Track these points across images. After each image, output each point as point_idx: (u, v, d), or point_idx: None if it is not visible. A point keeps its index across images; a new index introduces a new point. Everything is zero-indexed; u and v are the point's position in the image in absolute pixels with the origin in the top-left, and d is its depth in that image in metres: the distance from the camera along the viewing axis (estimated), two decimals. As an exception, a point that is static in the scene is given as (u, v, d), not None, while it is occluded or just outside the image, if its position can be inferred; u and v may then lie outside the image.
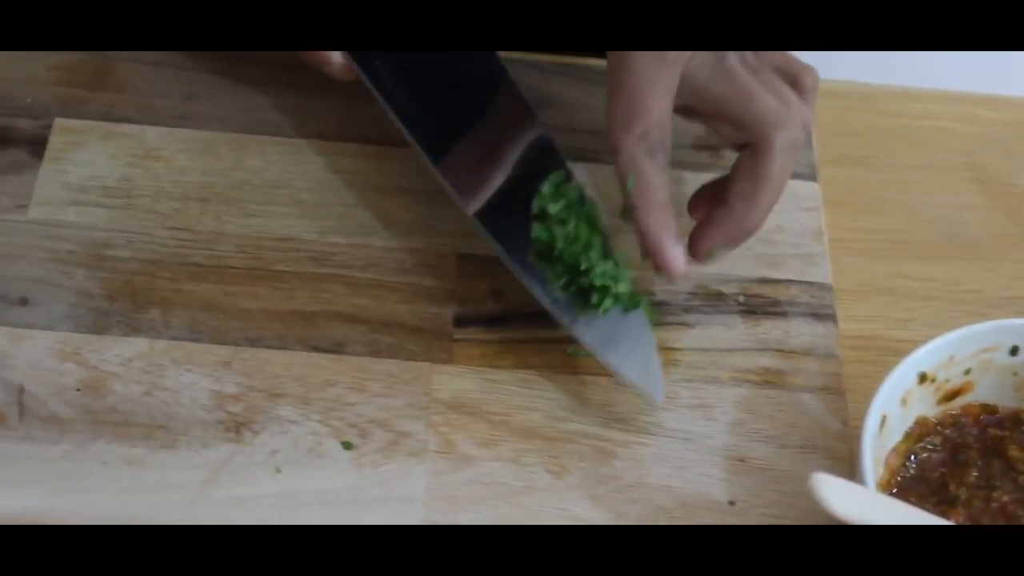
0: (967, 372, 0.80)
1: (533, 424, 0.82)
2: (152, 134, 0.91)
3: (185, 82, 0.94)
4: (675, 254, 0.80)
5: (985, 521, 0.76)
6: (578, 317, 0.82)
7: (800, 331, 0.86)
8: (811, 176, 0.93)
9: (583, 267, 0.81)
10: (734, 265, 0.88)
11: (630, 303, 0.82)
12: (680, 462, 0.81)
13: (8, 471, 0.78)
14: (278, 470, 0.79)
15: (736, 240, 0.83)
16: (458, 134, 0.85)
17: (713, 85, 0.82)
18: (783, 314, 0.87)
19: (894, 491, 0.78)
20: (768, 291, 0.88)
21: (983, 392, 0.81)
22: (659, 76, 0.81)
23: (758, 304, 0.87)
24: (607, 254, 0.83)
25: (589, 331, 0.81)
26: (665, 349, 0.85)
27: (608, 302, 0.81)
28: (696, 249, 0.83)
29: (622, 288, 0.82)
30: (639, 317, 0.82)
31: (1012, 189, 0.95)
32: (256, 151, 0.91)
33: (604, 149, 0.91)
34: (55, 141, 0.90)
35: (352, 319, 0.85)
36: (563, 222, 0.83)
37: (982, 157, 0.96)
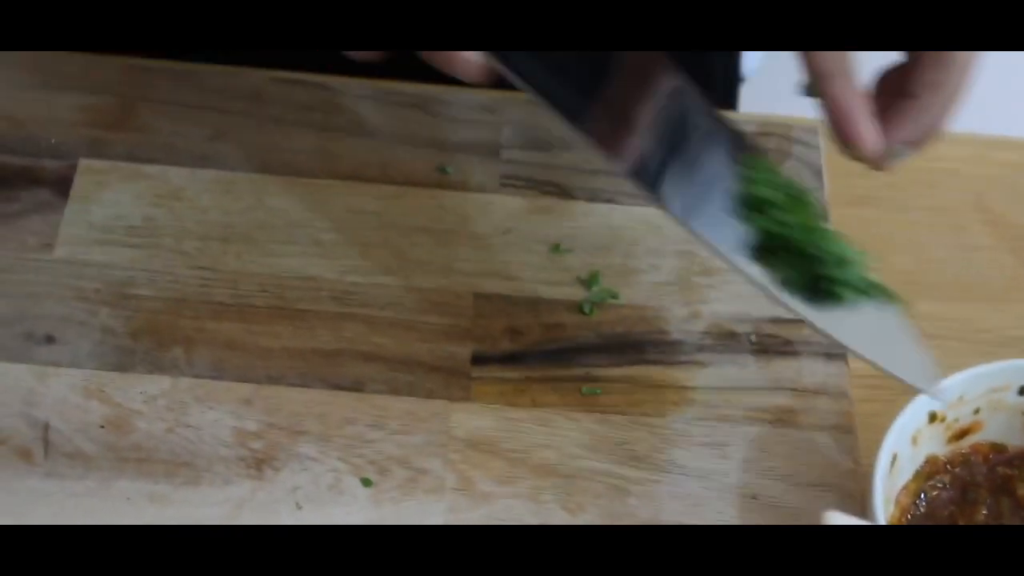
0: (976, 411, 0.81)
1: (550, 461, 0.83)
2: (175, 174, 0.93)
3: (207, 123, 0.95)
4: (868, 126, 0.75)
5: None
6: (821, 311, 0.75)
7: (812, 370, 0.87)
8: (822, 216, 0.94)
9: (818, 256, 0.75)
10: (748, 305, 0.90)
11: (873, 290, 0.77)
12: (694, 499, 0.82)
13: (34, 507, 0.80)
14: (299, 506, 0.80)
15: (923, 138, 0.77)
16: (628, 125, 0.76)
17: None
18: (795, 353, 0.88)
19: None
20: (781, 331, 0.89)
21: (992, 431, 0.82)
22: None
23: (771, 344, 0.88)
24: (836, 237, 0.76)
25: (841, 326, 0.76)
26: (679, 388, 0.86)
27: (852, 293, 0.76)
28: (883, 151, 0.77)
29: (863, 274, 0.76)
30: (883, 304, 0.77)
31: (1021, 231, 0.96)
32: (277, 191, 0.92)
33: (620, 190, 0.94)
34: (80, 181, 0.92)
35: (371, 357, 0.86)
36: (782, 209, 0.76)
37: (991, 198, 0.98)
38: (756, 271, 0.76)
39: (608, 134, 0.75)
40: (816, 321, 0.75)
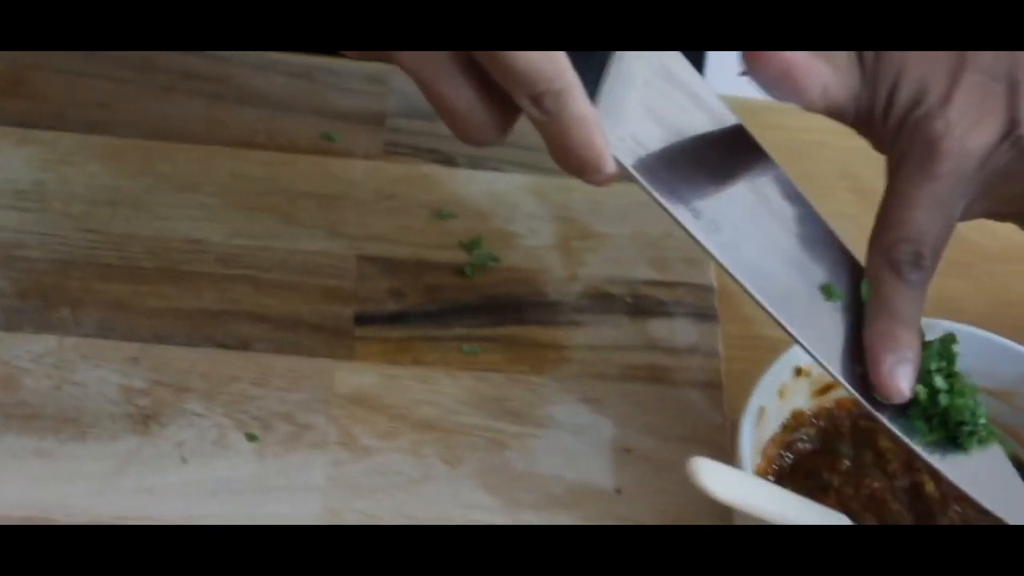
0: (840, 367, 0.85)
1: (430, 417, 0.85)
2: (65, 140, 0.94)
3: (97, 90, 0.97)
4: (892, 374, 0.74)
5: (855, 506, 0.81)
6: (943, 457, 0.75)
7: (685, 330, 0.91)
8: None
9: (960, 420, 0.75)
10: (624, 268, 0.93)
11: (988, 436, 0.77)
12: (569, 453, 0.85)
13: (-79, 462, 0.81)
14: (184, 461, 0.82)
15: None
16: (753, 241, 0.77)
17: (1013, 186, 0.76)
18: (669, 314, 0.91)
19: (771, 479, 0.82)
20: (655, 292, 0.92)
21: (847, 386, 0.86)
22: (922, 187, 0.75)
23: (645, 305, 0.91)
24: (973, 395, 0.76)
25: (958, 471, 0.75)
26: (557, 347, 0.89)
27: (974, 441, 0.76)
28: None
29: (984, 424, 0.76)
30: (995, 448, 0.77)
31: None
32: (165, 157, 0.94)
33: (502, 158, 0.97)
34: (-31, 147, 0.94)
35: (257, 318, 0.88)
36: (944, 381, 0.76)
37: (857, 168, 1.02)
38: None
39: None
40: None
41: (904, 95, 0.77)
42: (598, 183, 0.74)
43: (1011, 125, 0.76)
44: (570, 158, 0.73)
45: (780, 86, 0.77)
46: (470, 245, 0.93)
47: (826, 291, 0.77)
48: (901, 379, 0.74)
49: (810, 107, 0.78)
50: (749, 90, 1.04)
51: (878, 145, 0.80)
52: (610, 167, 0.73)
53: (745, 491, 0.74)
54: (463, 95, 0.73)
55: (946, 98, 0.76)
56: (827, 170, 1.01)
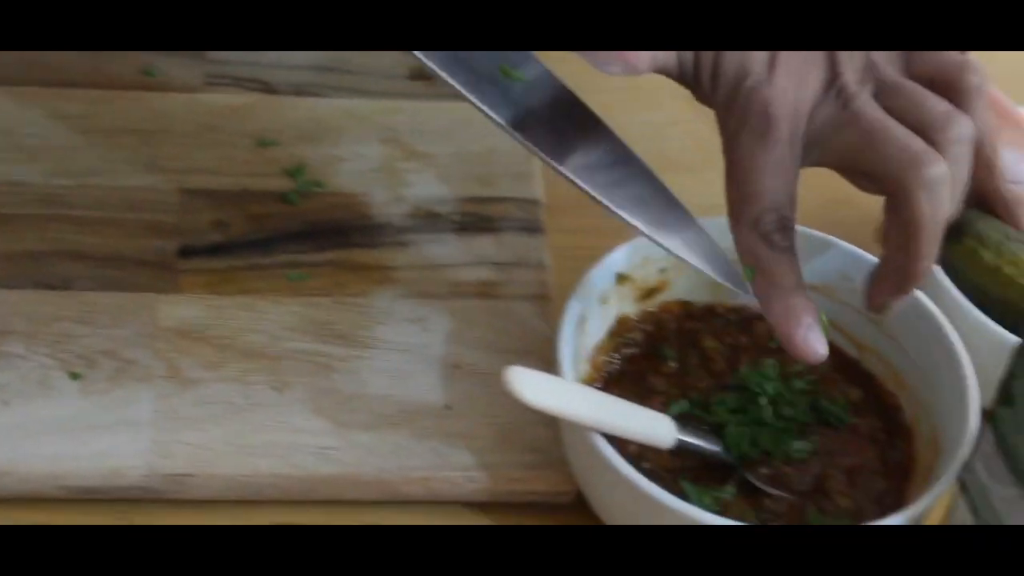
0: (663, 271, 0.85)
1: (256, 345, 0.85)
2: None
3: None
4: (806, 343, 0.76)
5: (681, 405, 0.82)
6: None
7: (512, 244, 0.91)
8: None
9: None
10: (449, 187, 0.93)
11: None
12: (398, 372, 0.85)
13: None
14: (6, 403, 0.81)
15: (904, 289, 0.79)
16: None
17: (838, 136, 0.77)
18: (496, 229, 0.91)
19: (599, 386, 0.83)
20: (481, 209, 0.92)
21: (679, 290, 0.86)
22: (766, 156, 0.76)
23: (472, 221, 0.92)
24: None
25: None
26: (383, 268, 0.89)
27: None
28: (870, 304, 0.80)
29: None
30: None
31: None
32: (-19, 101, 0.94)
33: (324, 83, 0.96)
34: None
35: (79, 256, 0.87)
36: None
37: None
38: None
39: None
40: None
41: (730, 64, 0.78)
42: None
43: (832, 75, 0.77)
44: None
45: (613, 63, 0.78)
46: (294, 172, 0.92)
47: None
48: (815, 344, 0.76)
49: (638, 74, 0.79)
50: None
51: (704, 102, 0.81)
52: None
53: (562, 398, 0.75)
54: None
55: (771, 64, 0.77)
56: (653, 79, 1.01)
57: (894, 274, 0.78)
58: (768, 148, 0.76)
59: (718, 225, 0.79)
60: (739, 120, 0.77)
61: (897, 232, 0.77)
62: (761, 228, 0.77)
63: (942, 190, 0.75)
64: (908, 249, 0.77)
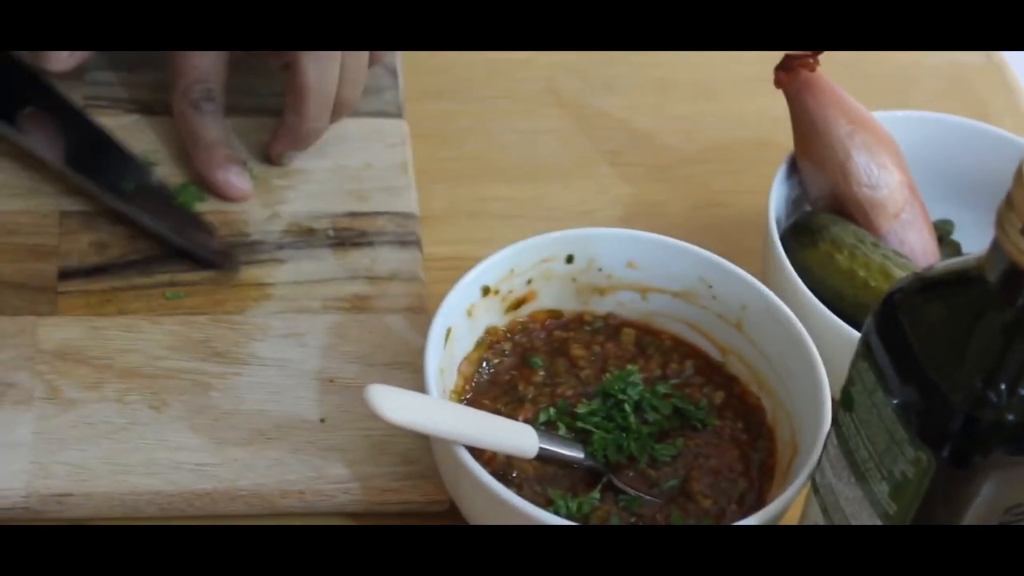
0: (529, 282, 0.87)
1: (135, 365, 0.87)
2: None
3: None
4: (228, 183, 0.93)
5: (549, 413, 0.84)
6: None
7: (387, 258, 0.93)
8: (397, 114, 0.99)
9: None
10: (325, 202, 0.95)
11: None
12: (274, 388, 0.87)
13: None
14: None
15: (300, 144, 0.95)
16: None
17: None
18: (370, 244, 0.93)
19: (469, 396, 0.85)
20: (357, 224, 0.94)
21: (547, 299, 0.88)
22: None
23: (347, 236, 0.94)
24: None
25: None
26: (259, 285, 0.91)
27: None
28: (271, 155, 0.96)
29: None
30: None
31: (587, 111, 1.03)
32: None
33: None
34: None
35: (-41, 281, 0.89)
36: None
37: (560, 83, 1.04)
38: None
39: None
40: None
41: None
42: None
43: None
44: None
45: None
46: (177, 192, 0.94)
47: None
48: (238, 183, 0.94)
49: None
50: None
51: None
52: None
53: (423, 413, 0.77)
54: None
55: None
56: (529, 87, 1.04)
57: (289, 132, 0.94)
58: None
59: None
60: None
61: (290, 97, 0.93)
62: (190, 96, 0.93)
63: (329, 64, 0.91)
64: (299, 110, 0.92)
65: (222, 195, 0.93)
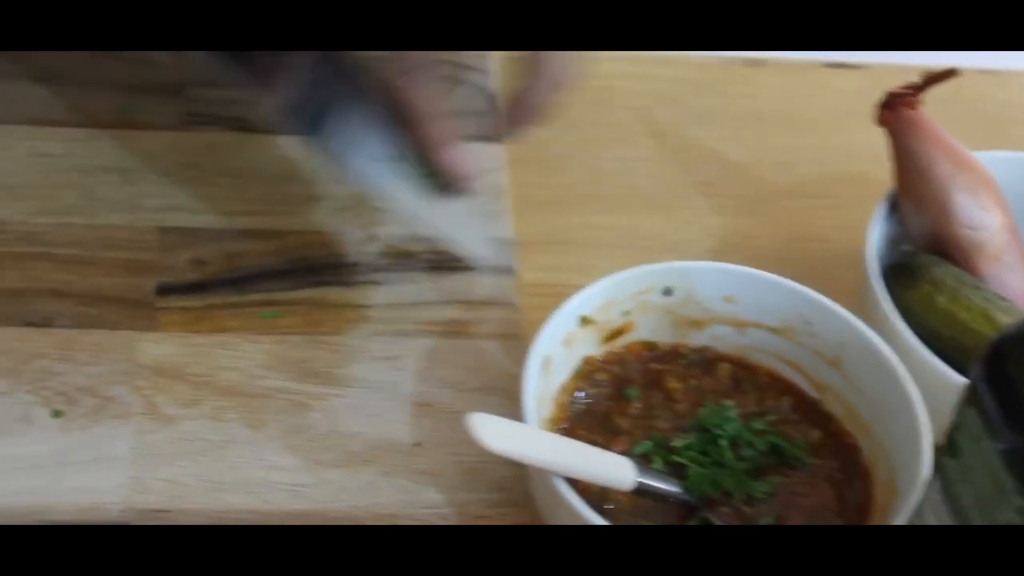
0: (627, 313, 0.87)
1: (232, 383, 0.87)
2: None
3: None
4: (456, 159, 0.88)
5: (645, 446, 0.84)
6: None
7: (482, 283, 0.93)
8: (495, 139, 1.00)
9: None
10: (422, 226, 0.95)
11: None
12: (370, 410, 0.87)
13: None
14: (-11, 440, 0.84)
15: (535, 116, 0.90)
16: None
17: None
18: (467, 268, 0.94)
19: (565, 426, 0.85)
20: (453, 248, 0.94)
21: (644, 331, 0.88)
22: None
23: (443, 260, 0.94)
24: None
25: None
26: (356, 307, 0.91)
27: None
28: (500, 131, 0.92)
29: None
30: None
31: (683, 141, 1.03)
32: (-36, 139, 0.96)
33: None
34: None
35: (59, 294, 0.90)
36: None
37: (656, 112, 1.04)
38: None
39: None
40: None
41: None
42: None
43: None
44: None
45: None
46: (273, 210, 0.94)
47: None
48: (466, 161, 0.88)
49: None
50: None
51: None
52: None
53: (523, 443, 0.77)
54: None
55: None
56: (626, 116, 1.04)
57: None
58: None
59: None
60: None
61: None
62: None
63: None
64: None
65: (450, 175, 0.88)
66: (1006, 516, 0.69)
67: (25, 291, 0.89)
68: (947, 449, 0.72)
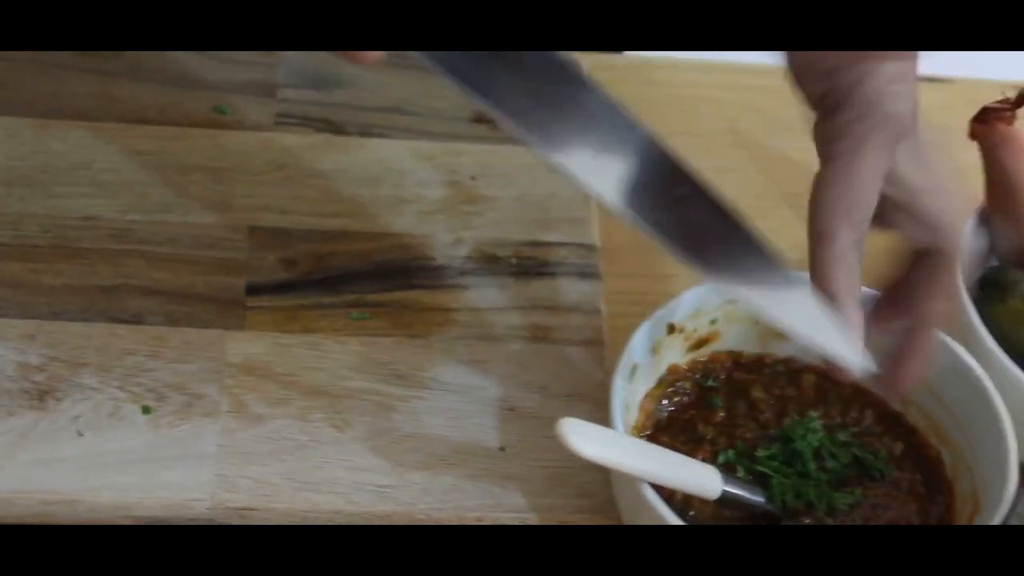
0: (713, 322, 0.87)
1: (319, 383, 0.88)
2: (-41, 121, 0.97)
3: (-10, 71, 0.99)
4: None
5: (728, 455, 0.84)
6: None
7: (567, 289, 0.94)
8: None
9: None
10: (509, 230, 0.96)
11: None
12: (455, 413, 0.88)
13: None
14: (80, 434, 0.85)
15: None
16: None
17: (912, 175, 0.79)
18: (552, 274, 0.94)
19: (649, 433, 0.85)
20: (539, 253, 0.95)
21: (729, 340, 0.88)
22: (882, 166, 0.78)
23: (529, 265, 0.94)
24: None
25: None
26: (443, 310, 0.92)
27: None
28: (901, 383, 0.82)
29: None
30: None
31: (769, 152, 1.03)
32: (59, 135, 0.97)
33: (390, 125, 0.99)
34: None
35: (150, 291, 0.91)
36: None
37: (742, 122, 1.04)
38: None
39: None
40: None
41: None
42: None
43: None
44: None
45: None
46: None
47: None
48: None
49: None
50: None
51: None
52: None
53: (612, 449, 0.77)
54: None
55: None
56: (712, 125, 1.04)
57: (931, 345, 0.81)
58: (887, 157, 0.78)
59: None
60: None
61: (937, 296, 0.79)
62: (861, 233, 0.78)
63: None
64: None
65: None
66: (1096, 534, 0.69)
67: (117, 288, 0.90)
68: (1037, 465, 0.73)
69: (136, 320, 0.89)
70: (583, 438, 0.76)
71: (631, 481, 0.79)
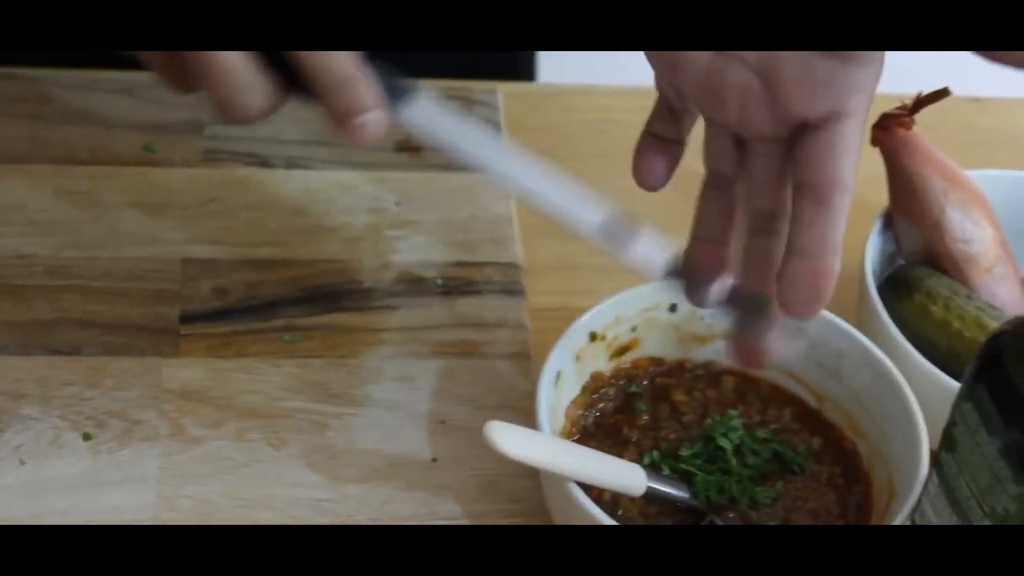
0: (634, 329, 0.91)
1: (254, 405, 0.91)
2: None
3: (-76, 118, 1.02)
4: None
5: (653, 456, 0.87)
6: None
7: (493, 306, 0.97)
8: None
9: None
10: (434, 253, 0.99)
11: None
12: (387, 428, 0.90)
13: None
14: (22, 462, 0.87)
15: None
16: None
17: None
18: (478, 292, 0.97)
19: (576, 438, 0.88)
20: (464, 273, 0.98)
21: (650, 346, 0.92)
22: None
23: (455, 285, 0.97)
24: None
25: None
26: (372, 331, 0.95)
27: None
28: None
29: None
30: None
31: (681, 170, 1.06)
32: (-7, 179, 1.00)
33: (314, 156, 1.02)
34: None
35: (87, 324, 0.93)
36: None
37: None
38: None
39: None
40: None
41: None
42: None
43: None
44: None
45: None
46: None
47: None
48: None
49: None
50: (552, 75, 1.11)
51: None
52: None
53: (539, 449, 0.80)
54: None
55: None
56: (625, 147, 1.05)
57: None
58: None
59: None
60: None
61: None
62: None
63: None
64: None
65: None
66: (1002, 505, 0.72)
67: (54, 322, 0.93)
68: (944, 444, 0.76)
69: (74, 352, 0.92)
70: (510, 440, 0.79)
71: (559, 481, 0.81)
